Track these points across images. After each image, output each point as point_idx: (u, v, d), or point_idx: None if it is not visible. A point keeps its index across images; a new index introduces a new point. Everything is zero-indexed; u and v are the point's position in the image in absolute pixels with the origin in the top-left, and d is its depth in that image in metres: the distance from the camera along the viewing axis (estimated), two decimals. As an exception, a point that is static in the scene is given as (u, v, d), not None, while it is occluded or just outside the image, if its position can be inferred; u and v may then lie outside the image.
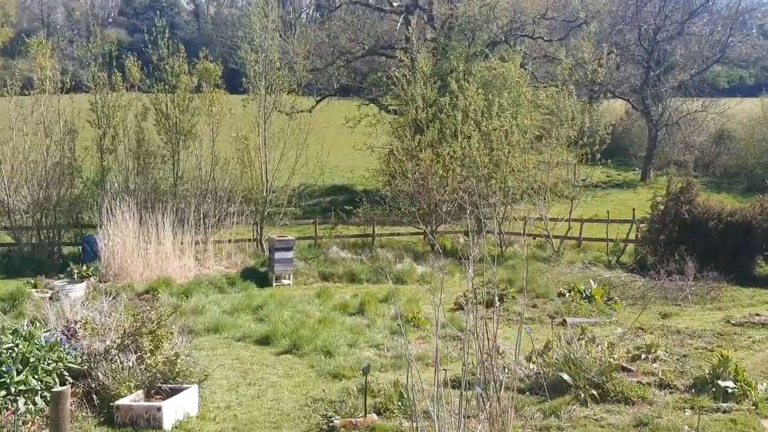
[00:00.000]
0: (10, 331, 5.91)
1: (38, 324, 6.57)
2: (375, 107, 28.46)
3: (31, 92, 16.45)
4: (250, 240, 17.28)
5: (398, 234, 19.25)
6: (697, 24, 36.44)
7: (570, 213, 17.78)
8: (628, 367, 7.62)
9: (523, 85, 20.06)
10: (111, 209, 14.52)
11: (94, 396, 6.31)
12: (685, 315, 11.79)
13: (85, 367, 6.33)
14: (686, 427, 6.19)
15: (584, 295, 12.17)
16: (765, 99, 34.16)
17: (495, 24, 26.67)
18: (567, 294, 12.48)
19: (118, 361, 6.37)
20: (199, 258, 15.71)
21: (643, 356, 8.11)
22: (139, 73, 17.27)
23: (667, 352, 8.44)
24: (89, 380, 6.39)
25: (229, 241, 16.53)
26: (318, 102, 29.06)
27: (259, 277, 15.05)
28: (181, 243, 15.27)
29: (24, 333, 5.96)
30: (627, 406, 6.72)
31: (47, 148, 16.31)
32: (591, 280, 12.87)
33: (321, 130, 18.57)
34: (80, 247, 15.95)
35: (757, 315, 11.14)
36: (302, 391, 7.77)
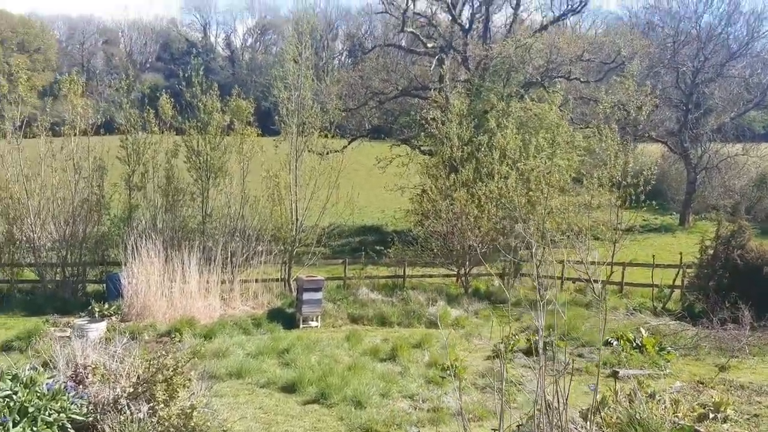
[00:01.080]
0: (10, 377, 5.32)
1: (41, 369, 5.95)
2: (407, 148, 28.09)
3: (62, 128, 16.30)
4: (277, 280, 16.72)
5: (430, 276, 18.55)
6: (736, 66, 35.67)
7: (612, 257, 16.92)
8: (698, 428, 6.78)
9: (561, 125, 19.50)
10: (137, 247, 14.11)
11: (100, 452, 5.64)
12: (744, 368, 10.83)
13: (91, 418, 5.67)
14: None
15: (635, 344, 11.29)
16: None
17: (530, 65, 26.28)
18: (615, 343, 11.61)
19: (128, 412, 5.71)
20: (225, 298, 15.16)
21: (711, 416, 7.25)
22: (171, 111, 17.07)
23: (735, 411, 7.56)
24: (94, 434, 5.74)
25: (256, 280, 15.98)
26: (350, 143, 28.81)
27: (286, 318, 14.42)
28: (207, 282, 14.77)
29: (24, 379, 5.37)
30: (704, 477, 5.89)
31: (75, 185, 16.08)
32: (641, 329, 11.98)
33: (351, 172, 18.18)
34: (104, 285, 15.53)
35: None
36: (331, 448, 7.06)
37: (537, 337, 11.28)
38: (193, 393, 6.32)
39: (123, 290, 13.72)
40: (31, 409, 5.09)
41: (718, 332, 12.29)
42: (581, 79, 27.96)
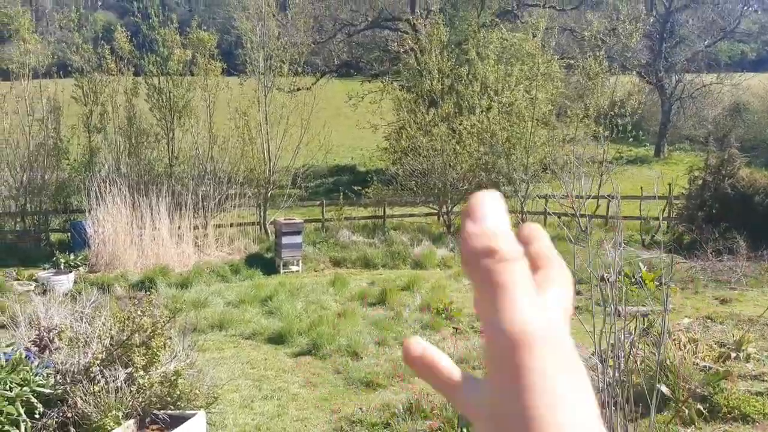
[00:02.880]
0: (-40, 347, 4.53)
1: None
2: (379, 83, 27.02)
3: (10, 67, 14.98)
4: (252, 224, 15.94)
5: (411, 215, 17.94)
6: (710, -8, 34.96)
7: (599, 189, 16.46)
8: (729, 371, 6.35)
9: (538, 55, 18.75)
10: (101, 193, 13.16)
11: (72, 429, 4.88)
12: (746, 300, 10.54)
13: (60, 390, 4.90)
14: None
15: (633, 279, 10.87)
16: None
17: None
18: (611, 279, 11.19)
19: (103, 381, 4.97)
20: (199, 244, 14.37)
21: (733, 355, 6.84)
22: (129, 46, 15.81)
23: (755, 348, 7.17)
24: (65, 408, 4.96)
25: (231, 225, 15.19)
26: (318, 79, 27.58)
27: (265, 263, 13.74)
28: (179, 228, 13.95)
29: (-23, 349, 4.58)
30: (747, 426, 5.44)
31: (30, 128, 14.90)
32: (640, 263, 11.54)
33: (320, 111, 17.26)
34: (69, 235, 14.60)
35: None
36: (331, 407, 6.46)
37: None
38: (176, 355, 5.62)
39: (89, 239, 12.85)
40: (-12, 384, 4.34)
41: (713, 264, 11.98)
42: (557, 7, 27.01)
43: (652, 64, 33.11)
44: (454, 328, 9.33)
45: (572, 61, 19.17)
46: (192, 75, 15.94)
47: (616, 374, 6.12)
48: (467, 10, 25.56)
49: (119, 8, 66.37)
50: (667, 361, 5.87)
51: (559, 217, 17.28)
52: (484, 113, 16.81)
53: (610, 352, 6.73)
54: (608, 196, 16.89)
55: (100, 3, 76.35)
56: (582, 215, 16.31)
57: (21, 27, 15.20)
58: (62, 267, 11.98)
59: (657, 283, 10.71)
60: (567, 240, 15.11)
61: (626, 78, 37.22)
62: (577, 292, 10.99)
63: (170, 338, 6.13)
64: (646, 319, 8.33)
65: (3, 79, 15.34)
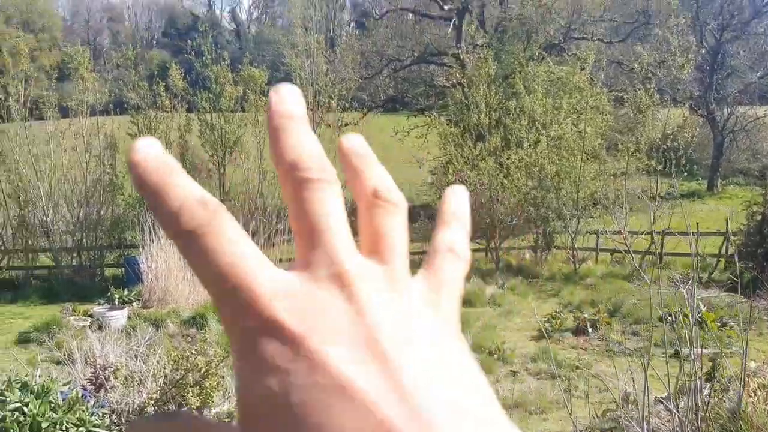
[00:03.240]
0: (18, 385, 4.58)
1: (54, 376, 5.16)
2: (425, 118, 27.15)
3: (69, 104, 15.53)
4: (301, 259, 15.99)
5: (458, 251, 17.75)
6: (761, 24, 34.34)
7: (652, 225, 16.03)
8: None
9: (586, 88, 18.60)
10: (154, 228, 13.41)
11: (129, 470, 4.86)
12: (815, 343, 10.07)
13: (115, 431, 4.92)
14: None
15: (694, 320, 10.49)
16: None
17: (551, 25, 25.21)
18: (669, 319, 10.83)
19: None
20: (249, 280, 14.46)
21: (810, 404, 6.48)
22: (182, 83, 16.27)
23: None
24: (120, 449, 4.98)
25: (281, 260, 15.26)
26: (365, 115, 27.88)
27: (313, 300, 13.72)
28: (229, 264, 14.08)
29: (36, 387, 4.61)
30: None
31: (87, 164, 15.36)
32: (700, 303, 11.15)
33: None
34: (123, 270, 14.90)
35: None
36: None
37: (584, 315, 10.51)
38: (229, 396, 5.59)
39: (142, 275, 13.07)
40: (45, 424, 4.35)
41: (777, 304, 11.51)
42: (604, 40, 26.85)
43: (703, 96, 32.54)
44: (511, 372, 9.11)
45: (621, 94, 18.98)
46: (243, 111, 16.28)
47: (686, 424, 5.87)
48: (513, 43, 25.61)
49: (173, 47, 68.62)
50: (740, 410, 5.59)
51: (611, 254, 16.95)
52: (531, 147, 16.69)
53: (680, 398, 6.48)
54: (663, 231, 16.50)
55: (155, 42, 79.07)
56: (635, 251, 15.94)
57: (80, 66, 15.77)
58: (116, 302, 12.18)
59: (719, 324, 10.32)
60: (621, 278, 14.63)
61: (677, 111, 36.73)
62: (634, 333, 10.67)
63: (223, 377, 6.12)
64: (711, 362, 8.02)
65: (62, 116, 15.89)
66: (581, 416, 6.99)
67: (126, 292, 12.53)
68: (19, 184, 14.89)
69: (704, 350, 9.46)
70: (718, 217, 16.40)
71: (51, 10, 68.15)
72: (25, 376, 4.93)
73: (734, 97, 32.72)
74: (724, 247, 15.61)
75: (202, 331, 10.78)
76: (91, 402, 5.07)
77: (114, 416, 5.10)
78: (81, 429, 4.65)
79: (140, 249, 13.60)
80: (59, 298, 13.66)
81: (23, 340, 10.70)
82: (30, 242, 15.34)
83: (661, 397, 6.78)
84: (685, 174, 17.22)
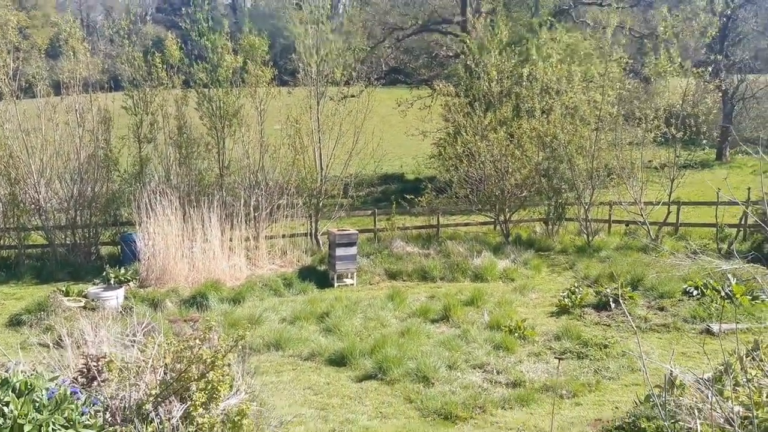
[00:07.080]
0: (-1, 381, 3.99)
1: (39, 371, 4.53)
2: (429, 90, 26.35)
3: (62, 76, 14.80)
4: (304, 235, 15.41)
5: (465, 224, 17.19)
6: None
7: (669, 195, 15.43)
8: None
9: (594, 55, 17.88)
10: (151, 204, 12.80)
11: (122, 473, 4.28)
12: None
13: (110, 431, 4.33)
14: None
15: (722, 293, 9.95)
16: None
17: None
18: (695, 292, 10.27)
19: (157, 421, 4.36)
20: (251, 256, 13.90)
21: None
22: (179, 53, 15.49)
23: None
24: (114, 452, 4.35)
25: (283, 236, 14.68)
26: (366, 86, 27.04)
27: (318, 276, 13.18)
28: (230, 240, 13.51)
29: (18, 385, 4.02)
30: None
31: (80, 139, 14.68)
32: (729, 275, 10.54)
33: (367, 119, 16.67)
34: (119, 248, 14.31)
35: None
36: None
37: (606, 289, 9.89)
38: (237, 389, 5.01)
39: (139, 252, 12.49)
40: (27, 427, 3.77)
41: (807, 276, 10.91)
42: (614, 5, 25.91)
43: (711, 63, 31.66)
44: (533, 353, 8.54)
45: (631, 61, 18.20)
46: (243, 82, 15.51)
47: (736, 408, 5.28)
48: (520, 10, 24.76)
49: (168, 22, 67.28)
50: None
51: (627, 225, 16.35)
52: (544, 116, 16.01)
53: (723, 379, 5.88)
54: (680, 202, 15.86)
55: (149, 19, 77.63)
56: (652, 223, 15.29)
57: (71, 37, 15.01)
58: (112, 282, 11.59)
59: (750, 298, 9.75)
60: (636, 250, 13.97)
61: (682, 80, 35.82)
62: (660, 308, 10.09)
63: (229, 364, 5.52)
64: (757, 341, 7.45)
65: (56, 93, 15.18)
66: (616, 400, 6.44)
67: (122, 271, 11.95)
68: (10, 160, 14.22)
69: (738, 325, 8.90)
70: (731, 187, 15.74)
71: (43, -15, 66.77)
72: (6, 371, 4.35)
73: (745, 64, 31.87)
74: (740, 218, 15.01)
75: (203, 312, 10.24)
76: (82, 399, 4.48)
77: (108, 415, 4.52)
78: (70, 430, 4.07)
79: (137, 226, 13.01)
80: (53, 277, 13.12)
81: (15, 322, 10.15)
82: (22, 220, 14.69)
83: (704, 378, 6.19)
84: (704, 142, 16.46)
